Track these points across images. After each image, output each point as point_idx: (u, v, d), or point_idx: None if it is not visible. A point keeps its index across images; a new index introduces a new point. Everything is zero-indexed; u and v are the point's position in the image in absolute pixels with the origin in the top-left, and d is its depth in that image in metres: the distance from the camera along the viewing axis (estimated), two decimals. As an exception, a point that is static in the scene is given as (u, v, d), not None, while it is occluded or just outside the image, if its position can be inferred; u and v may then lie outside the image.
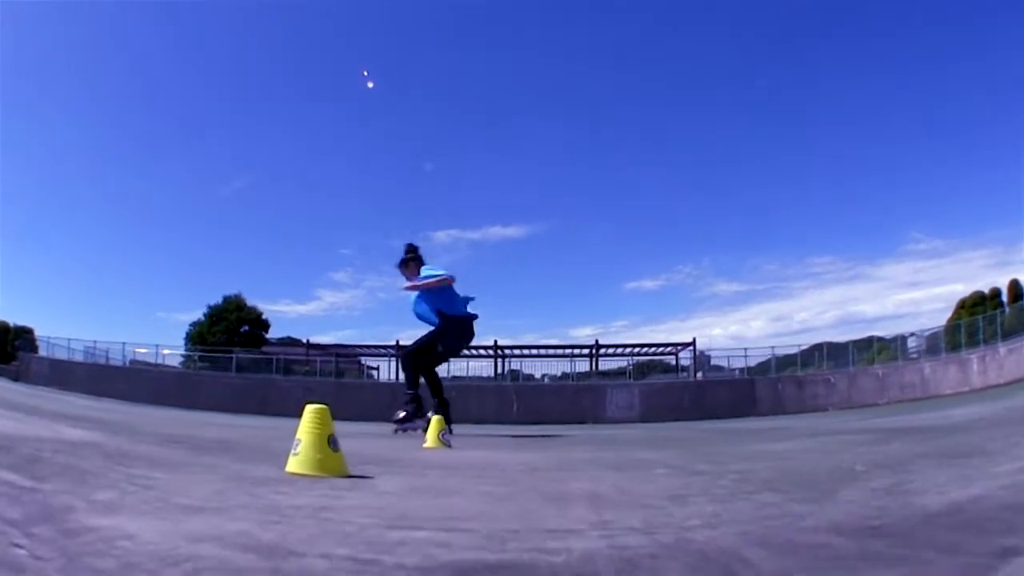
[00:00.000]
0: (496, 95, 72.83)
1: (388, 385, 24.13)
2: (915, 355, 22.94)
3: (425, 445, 4.47)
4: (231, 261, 67.76)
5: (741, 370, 24.55)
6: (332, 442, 2.19)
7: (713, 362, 28.34)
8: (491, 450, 4.41)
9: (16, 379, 21.31)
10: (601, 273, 71.23)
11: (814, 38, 62.85)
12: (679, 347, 31.94)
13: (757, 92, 65.47)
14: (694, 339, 30.14)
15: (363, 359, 36.46)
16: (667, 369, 31.78)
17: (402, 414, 6.10)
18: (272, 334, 40.53)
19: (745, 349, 25.32)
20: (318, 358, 30.97)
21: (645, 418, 19.12)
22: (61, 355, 24.36)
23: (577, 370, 28.45)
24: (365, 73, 60.15)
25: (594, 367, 31.69)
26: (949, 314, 35.24)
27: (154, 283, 72.14)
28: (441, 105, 74.23)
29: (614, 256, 71.02)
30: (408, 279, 6.16)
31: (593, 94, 70.61)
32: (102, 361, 24.28)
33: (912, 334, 24.13)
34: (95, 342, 24.60)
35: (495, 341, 33.24)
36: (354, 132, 74.09)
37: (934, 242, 65.36)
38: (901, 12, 58.07)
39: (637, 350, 32.11)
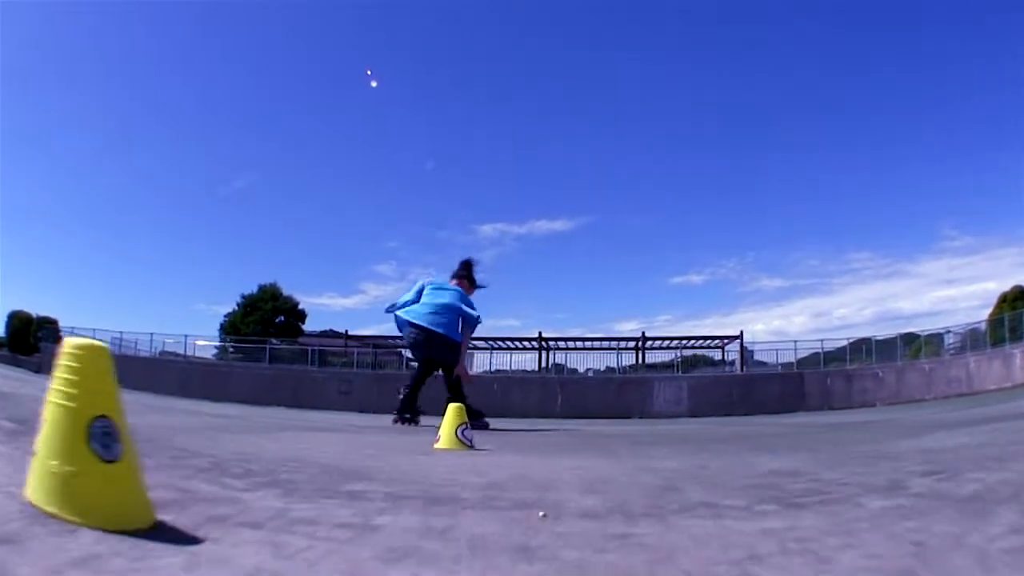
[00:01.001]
0: (542, 89, 75.29)
1: None
2: (954, 350, 22.48)
3: (437, 445, 3.19)
4: (274, 254, 69.99)
5: (784, 364, 23.83)
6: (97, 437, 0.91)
7: (756, 356, 27.59)
8: (533, 454, 3.12)
9: (38, 370, 20.95)
10: (646, 267, 71.85)
11: (854, 31, 63.91)
12: (726, 340, 31.21)
13: (800, 87, 66.44)
14: (741, 332, 29.36)
15: (404, 351, 34.91)
16: (709, 363, 30.87)
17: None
18: (314, 327, 40.04)
19: (795, 342, 24.44)
20: (356, 350, 30.12)
21: (694, 412, 18.45)
22: None
23: (620, 364, 27.20)
24: (369, 72, 61.20)
25: (640, 360, 30.84)
26: (984, 311, 34.39)
27: (195, 277, 74.80)
28: (489, 99, 76.72)
29: (660, 250, 71.58)
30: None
31: (642, 88, 72.51)
32: (130, 352, 23.78)
33: (948, 331, 23.31)
34: (121, 332, 24.16)
35: (539, 333, 33.09)
36: (401, 125, 77.48)
37: (966, 239, 65.24)
38: (942, 7, 57.52)
39: (683, 343, 31.37)
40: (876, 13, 62.25)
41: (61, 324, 29.66)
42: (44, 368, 21.86)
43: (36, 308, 42.28)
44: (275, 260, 72.78)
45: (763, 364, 25.50)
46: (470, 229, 73.30)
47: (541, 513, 1.34)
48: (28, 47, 71.01)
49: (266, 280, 37.84)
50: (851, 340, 25.50)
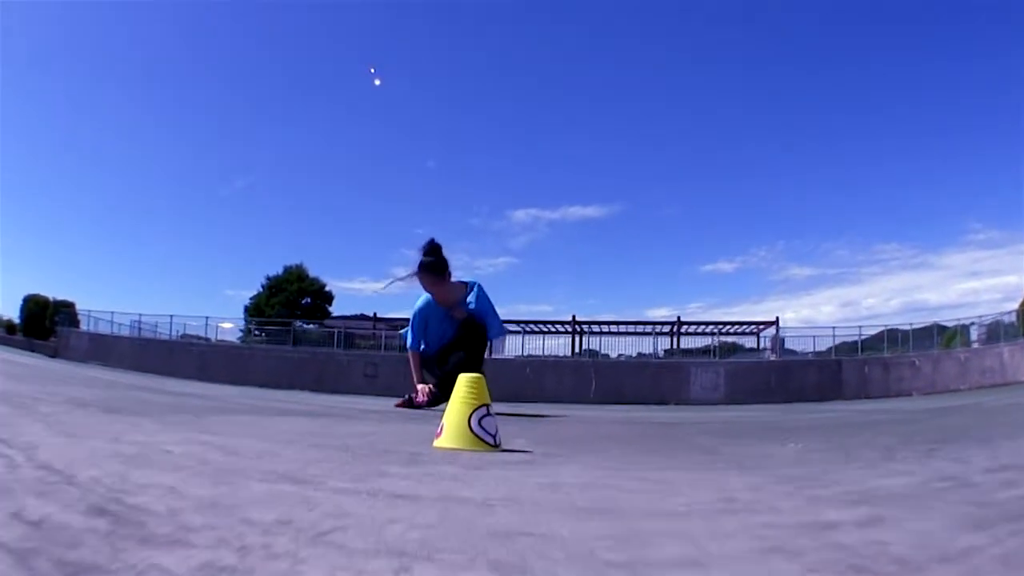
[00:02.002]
0: (574, 75, 73.73)
1: None
2: (980, 341, 22.31)
3: (439, 443, 2.03)
4: (305, 240, 70.00)
5: (816, 352, 23.77)
6: None
7: (787, 344, 27.38)
8: (603, 460, 1.92)
9: (54, 355, 20.37)
10: (677, 254, 71.54)
11: (885, 24, 63.30)
12: (761, 326, 30.99)
13: (834, 76, 65.84)
14: (777, 318, 29.08)
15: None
16: (737, 350, 30.69)
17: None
18: (345, 311, 39.16)
19: (832, 328, 24.25)
20: (384, 332, 28.93)
21: (730, 399, 18.03)
22: (104, 329, 23.40)
23: (655, 350, 26.77)
24: (372, 70, 61.01)
25: (675, 345, 30.49)
26: (1007, 304, 33.01)
27: (224, 263, 74.74)
28: (521, 85, 75.33)
29: (692, 237, 71.33)
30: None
31: (676, 76, 70.96)
32: (149, 335, 23.16)
33: (973, 323, 23.05)
34: (140, 315, 23.52)
35: (573, 317, 32.55)
36: (433, 110, 76.04)
37: (991, 232, 63.58)
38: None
39: (718, 328, 31.17)
40: (905, 5, 61.76)
41: (79, 307, 29.18)
42: (61, 352, 21.36)
43: (54, 292, 42.19)
44: (306, 246, 73.57)
45: (792, 352, 25.32)
46: (503, 215, 74.14)
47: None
48: (61, 39, 71.47)
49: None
50: (887, 327, 25.05)
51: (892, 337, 23.99)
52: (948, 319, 24.01)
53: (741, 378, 19.96)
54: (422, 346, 5.05)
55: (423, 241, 4.95)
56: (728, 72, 69.22)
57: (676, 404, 16.63)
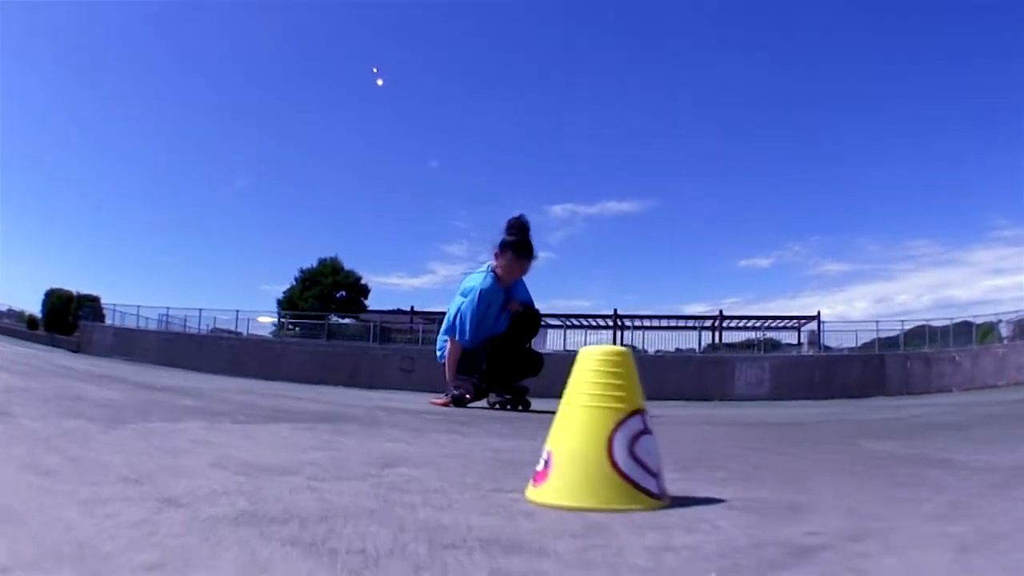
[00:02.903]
0: (609, 70, 73.12)
1: None
2: (1008, 338, 22.00)
3: (542, 498, 0.85)
4: (342, 235, 69.85)
5: (858, 348, 23.59)
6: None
7: (824, 340, 27.44)
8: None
9: (77, 349, 19.94)
10: (714, 250, 70.61)
11: (918, 21, 62.47)
12: (802, 321, 30.87)
13: (867, 74, 66.07)
14: (818, 312, 28.95)
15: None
16: (776, 346, 30.21)
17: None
18: (382, 306, 38.51)
19: (876, 322, 23.69)
20: (421, 326, 28.39)
21: (775, 395, 17.42)
22: (131, 324, 22.95)
23: (697, 344, 26.27)
24: (375, 70, 61.17)
25: (717, 340, 30.33)
26: None
27: (260, 258, 74.67)
28: (557, 79, 75.15)
29: (728, 233, 70.79)
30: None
31: (711, 72, 70.34)
32: (178, 329, 22.65)
33: (1000, 320, 22.69)
34: (168, 309, 23.00)
35: (615, 311, 32.11)
36: (466, 106, 75.50)
37: (1017, 229, 61.65)
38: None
39: (762, 323, 31.43)
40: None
41: (104, 302, 28.83)
42: (84, 347, 20.95)
43: (78, 287, 40.93)
44: (342, 242, 73.32)
45: (828, 348, 25.09)
46: (541, 209, 73.53)
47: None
48: (101, 34, 72.75)
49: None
50: (926, 323, 24.84)
51: (921, 333, 24.08)
52: (977, 315, 23.82)
53: (786, 373, 19.41)
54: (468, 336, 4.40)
55: (512, 218, 4.45)
56: (764, 68, 68.96)
57: (721, 400, 15.92)
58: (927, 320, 24.19)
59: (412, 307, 35.75)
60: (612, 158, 71.89)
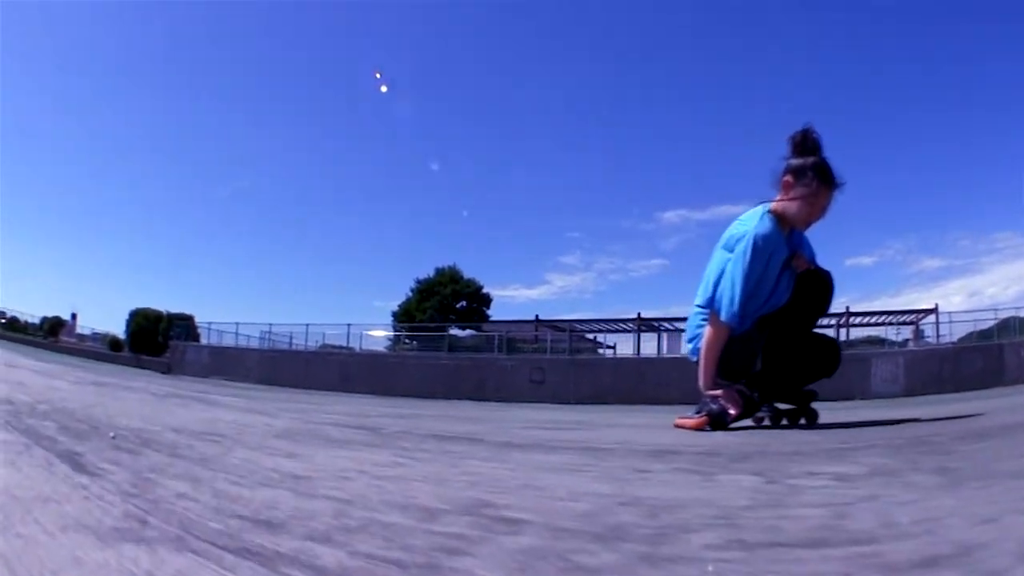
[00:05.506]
0: (714, 71, 76.79)
1: (631, 361, 21.67)
2: None
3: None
4: (456, 248, 71.63)
5: (952, 341, 23.48)
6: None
7: (927, 332, 28.35)
8: None
9: (167, 371, 18.87)
10: (823, 248, 70.37)
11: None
12: (920, 314, 30.82)
13: (961, 75, 66.35)
14: (936, 305, 28.99)
15: (598, 336, 33.75)
16: (884, 342, 29.92)
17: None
18: (498, 317, 37.26)
19: (995, 310, 23.28)
20: (548, 335, 27.73)
21: (909, 391, 16.80)
22: (229, 342, 22.06)
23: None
24: (378, 75, 61.63)
25: (846, 336, 29.60)
26: None
27: (372, 274, 79.11)
28: (665, 84, 78.68)
29: (836, 232, 70.05)
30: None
31: (813, 72, 72.46)
32: (283, 347, 21.48)
33: None
34: (271, 325, 21.86)
35: None
36: (570, 115, 79.70)
37: None
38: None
39: (883, 318, 31.56)
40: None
41: (197, 320, 28.10)
42: (175, 368, 20.10)
43: (168, 307, 39.57)
44: (455, 256, 76.02)
45: (927, 341, 25.59)
46: (653, 217, 76.81)
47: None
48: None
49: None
50: (1017, 310, 24.13)
51: (1011, 324, 23.38)
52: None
53: (918, 368, 18.96)
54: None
55: (796, 133, 3.07)
56: (861, 68, 71.72)
57: (861, 399, 14.78)
58: (1017, 309, 23.88)
59: (537, 316, 34.71)
60: (721, 161, 74.12)
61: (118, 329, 44.59)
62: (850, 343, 27.32)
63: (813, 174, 3.01)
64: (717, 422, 2.94)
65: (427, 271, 36.82)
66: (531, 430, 3.03)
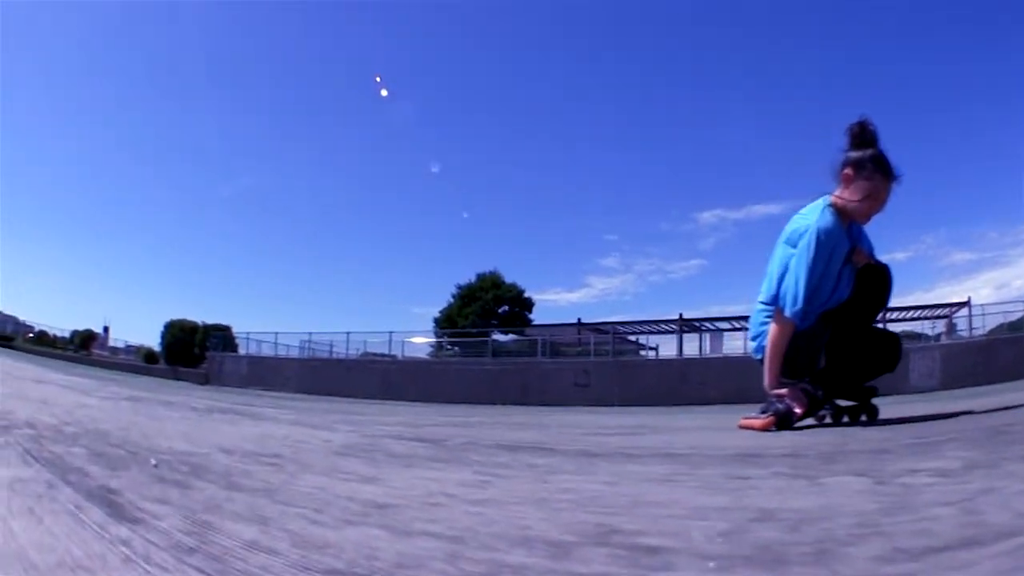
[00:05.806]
0: (749, 70, 75.27)
1: (674, 362, 21.70)
2: None
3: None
4: (494, 254, 74.00)
5: (983, 334, 23.21)
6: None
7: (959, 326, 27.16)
8: None
9: (205, 382, 18.99)
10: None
11: None
12: (953, 307, 30.11)
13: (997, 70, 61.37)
14: (969, 298, 28.13)
15: (640, 338, 33.33)
16: (918, 336, 29.12)
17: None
18: (540, 321, 37.22)
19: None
20: (592, 338, 27.56)
21: (946, 385, 16.70)
22: (268, 352, 22.19)
23: None
24: (378, 79, 61.59)
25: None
26: None
27: (412, 281, 77.52)
28: (701, 84, 76.97)
29: (873, 226, 70.47)
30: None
31: (850, 69, 70.28)
32: (324, 355, 21.50)
33: None
34: (311, 334, 21.90)
35: None
36: (603, 121, 78.04)
37: None
38: None
39: (919, 312, 30.93)
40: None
41: (235, 330, 28.30)
42: (213, 379, 20.24)
43: (203, 318, 39.38)
44: (495, 261, 75.10)
45: (960, 335, 25.03)
46: (690, 218, 76.31)
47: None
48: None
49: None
50: None
51: None
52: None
53: (953, 361, 18.88)
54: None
55: (853, 124, 3.07)
56: (896, 66, 69.06)
57: (899, 394, 14.55)
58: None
59: (579, 319, 34.59)
60: (755, 160, 74.03)
61: (153, 342, 44.52)
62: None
63: (873, 166, 3.04)
64: (783, 422, 2.97)
65: (466, 277, 37.02)
66: (596, 436, 2.99)
